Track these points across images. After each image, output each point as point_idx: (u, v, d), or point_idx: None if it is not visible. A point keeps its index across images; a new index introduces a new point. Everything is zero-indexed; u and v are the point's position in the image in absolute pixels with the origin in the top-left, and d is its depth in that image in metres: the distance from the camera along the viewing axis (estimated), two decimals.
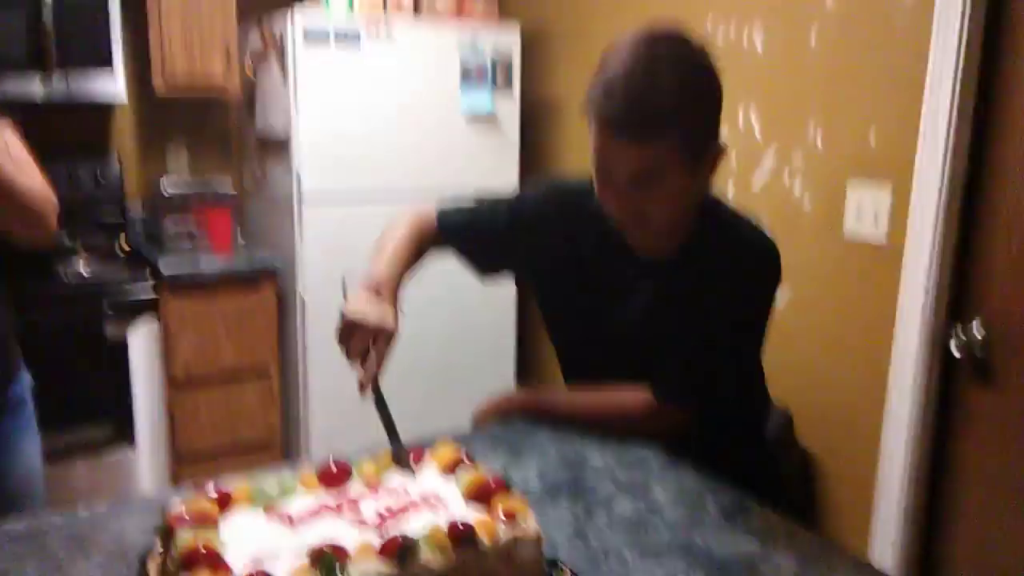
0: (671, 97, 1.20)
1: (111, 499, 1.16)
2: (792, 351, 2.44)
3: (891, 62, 2.13)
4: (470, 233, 1.57)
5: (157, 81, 2.94)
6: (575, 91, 3.14)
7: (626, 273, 1.44)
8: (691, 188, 1.31)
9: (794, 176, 2.43)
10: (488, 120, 3.12)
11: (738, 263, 1.38)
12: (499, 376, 3.27)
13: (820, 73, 2.32)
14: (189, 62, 2.95)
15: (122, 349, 2.69)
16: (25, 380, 1.61)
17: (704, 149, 1.28)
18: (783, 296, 2.47)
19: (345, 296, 1.31)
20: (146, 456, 2.82)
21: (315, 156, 2.84)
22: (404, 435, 1.18)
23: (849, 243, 2.28)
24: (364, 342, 1.24)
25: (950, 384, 2.13)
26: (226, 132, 3.46)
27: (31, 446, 1.61)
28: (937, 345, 2.11)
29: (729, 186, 2.61)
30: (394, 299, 1.36)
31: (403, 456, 1.11)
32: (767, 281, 1.42)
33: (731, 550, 1.08)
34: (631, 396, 1.43)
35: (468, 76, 3.05)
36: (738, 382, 1.49)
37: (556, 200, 1.52)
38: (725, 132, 2.58)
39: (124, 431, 2.75)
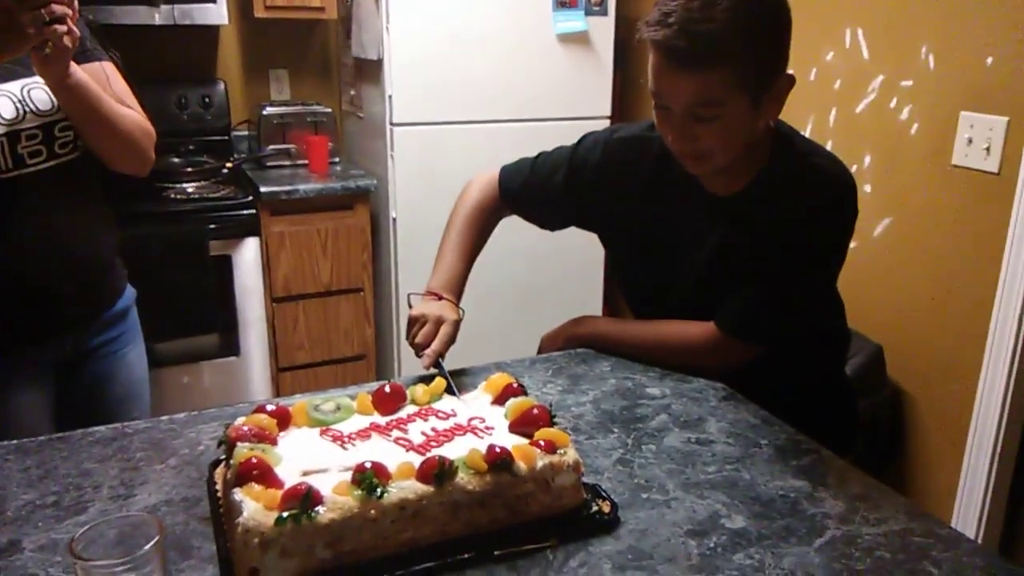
0: (730, 25, 1.14)
1: (209, 406, 1.26)
2: (889, 283, 2.34)
3: None
4: (532, 196, 1.58)
5: (258, 3, 3.01)
6: None
7: (696, 214, 1.41)
8: (755, 122, 1.26)
9: (903, 101, 2.28)
10: (581, 42, 3.04)
11: (811, 197, 1.33)
12: (588, 297, 3.28)
13: None
14: None
15: (226, 265, 2.84)
16: (130, 294, 1.73)
17: (769, 80, 1.23)
18: (883, 225, 2.36)
19: (410, 306, 1.43)
20: (250, 366, 3.00)
21: (407, 78, 2.86)
22: (483, 358, 1.32)
23: (958, 172, 2.15)
24: (426, 335, 1.35)
25: None
26: (326, 55, 3.51)
27: (137, 355, 1.74)
28: None
29: (832, 111, 2.48)
30: (454, 298, 1.46)
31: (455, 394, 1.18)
32: (841, 215, 1.36)
33: (777, 488, 1.08)
34: (697, 328, 1.42)
35: None
36: (810, 318, 1.45)
37: (618, 152, 1.49)
38: (830, 55, 2.46)
39: (230, 342, 2.93)
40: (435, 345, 1.33)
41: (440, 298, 1.43)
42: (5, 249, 1.42)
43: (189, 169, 2.90)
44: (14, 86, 1.41)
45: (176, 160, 2.96)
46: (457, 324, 1.38)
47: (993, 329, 2.08)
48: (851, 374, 2.21)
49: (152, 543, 0.72)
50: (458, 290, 1.48)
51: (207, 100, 3.15)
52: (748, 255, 1.36)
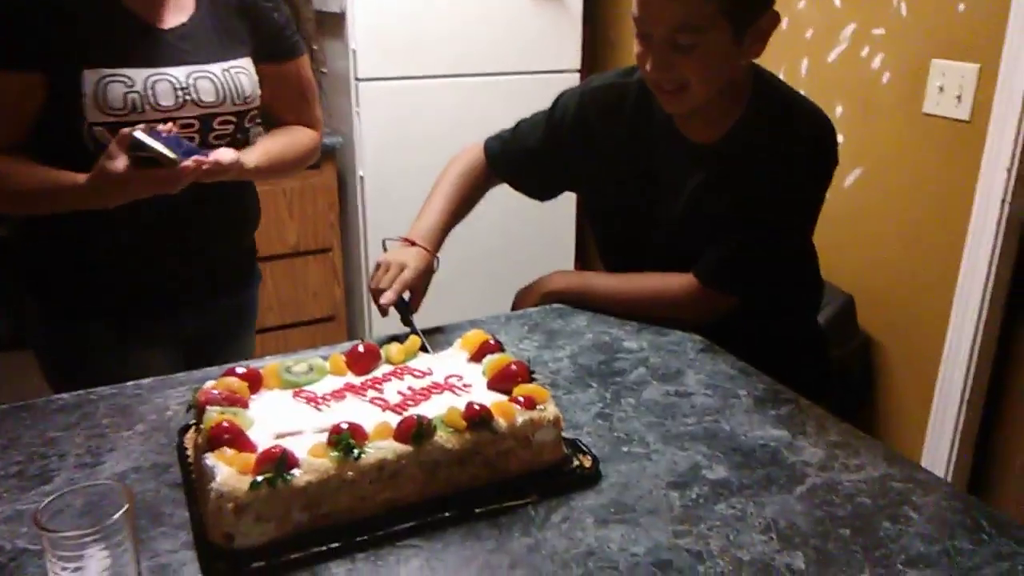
0: None
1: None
2: (858, 232, 2.34)
3: None
4: (516, 159, 1.55)
5: None
6: None
7: (676, 162, 1.39)
8: (735, 57, 1.24)
9: (875, 49, 2.26)
10: None
11: (794, 143, 1.31)
12: (559, 252, 3.26)
13: None
14: None
15: None
16: (254, 282, 1.68)
17: (754, 14, 1.21)
18: (854, 175, 2.35)
19: (384, 251, 1.40)
20: None
21: (371, 32, 2.77)
22: (457, 316, 1.31)
23: (929, 120, 2.14)
24: (384, 280, 1.32)
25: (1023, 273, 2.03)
26: (292, 8, 3.41)
27: (246, 341, 1.68)
28: (1014, 230, 2.00)
29: (803, 60, 2.45)
30: (431, 247, 1.41)
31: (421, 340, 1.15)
32: (820, 163, 1.35)
33: (757, 437, 1.07)
34: (674, 279, 1.40)
35: None
36: (786, 266, 1.44)
37: (595, 102, 1.46)
38: (802, 4, 2.43)
39: None
40: (388, 294, 1.29)
41: (414, 245, 1.40)
42: (135, 225, 1.36)
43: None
44: (180, 72, 1.34)
45: None
46: (424, 272, 1.36)
47: (963, 276, 2.10)
48: (822, 324, 2.22)
49: (121, 511, 0.69)
50: (434, 239, 1.44)
51: None
52: (727, 203, 1.34)
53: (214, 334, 1.56)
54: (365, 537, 0.87)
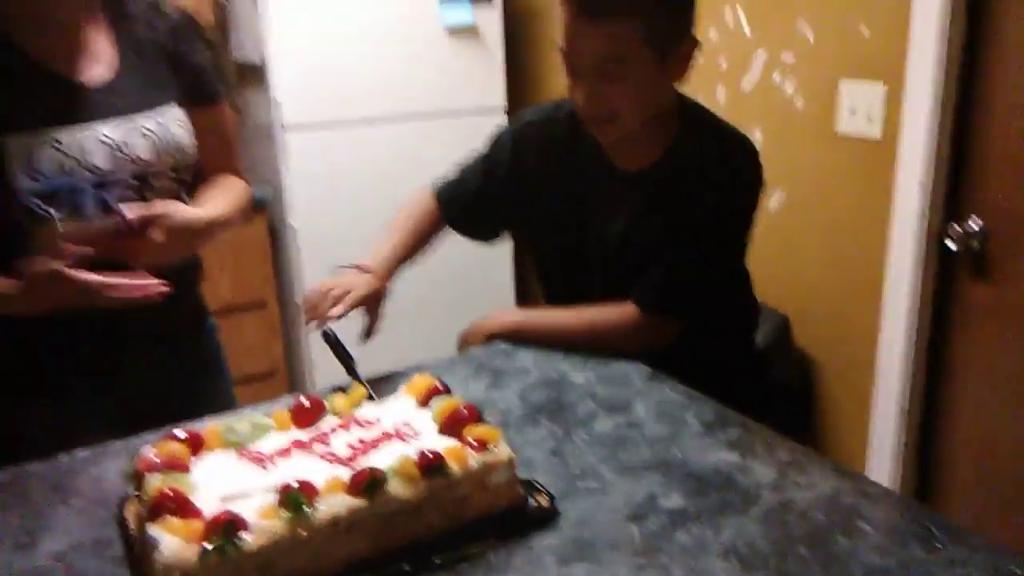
0: None
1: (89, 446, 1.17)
2: (787, 253, 2.41)
3: None
4: (464, 203, 1.56)
5: None
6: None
7: (611, 189, 1.41)
8: (662, 83, 1.29)
9: (785, 75, 2.34)
10: (470, 34, 3.01)
11: (720, 168, 1.35)
12: (497, 293, 3.26)
13: None
14: None
15: None
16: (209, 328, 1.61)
17: (676, 39, 1.26)
18: (777, 198, 2.42)
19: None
20: None
21: (293, 81, 2.76)
22: (399, 363, 1.29)
23: (843, 140, 2.22)
24: (333, 297, 1.30)
25: (947, 282, 2.11)
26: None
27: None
28: (934, 241, 2.07)
29: (719, 89, 2.53)
30: (382, 274, 1.41)
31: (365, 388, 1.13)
32: (750, 184, 1.39)
33: (709, 463, 1.08)
34: (616, 310, 1.41)
35: None
36: (724, 289, 1.47)
37: (527, 138, 1.49)
38: (713, 34, 2.51)
39: None
40: (339, 308, 1.27)
41: (365, 272, 1.39)
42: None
43: None
44: (112, 128, 1.25)
45: None
46: (377, 294, 1.36)
47: (888, 290, 2.17)
48: (760, 345, 2.26)
49: None
50: (388, 267, 1.43)
51: None
52: (659, 227, 1.37)
53: (170, 390, 1.43)
54: None
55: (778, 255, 2.43)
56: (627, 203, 1.39)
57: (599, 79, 1.24)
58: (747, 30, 2.43)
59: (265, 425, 1.03)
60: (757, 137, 2.44)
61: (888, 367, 2.20)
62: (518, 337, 1.48)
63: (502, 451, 0.96)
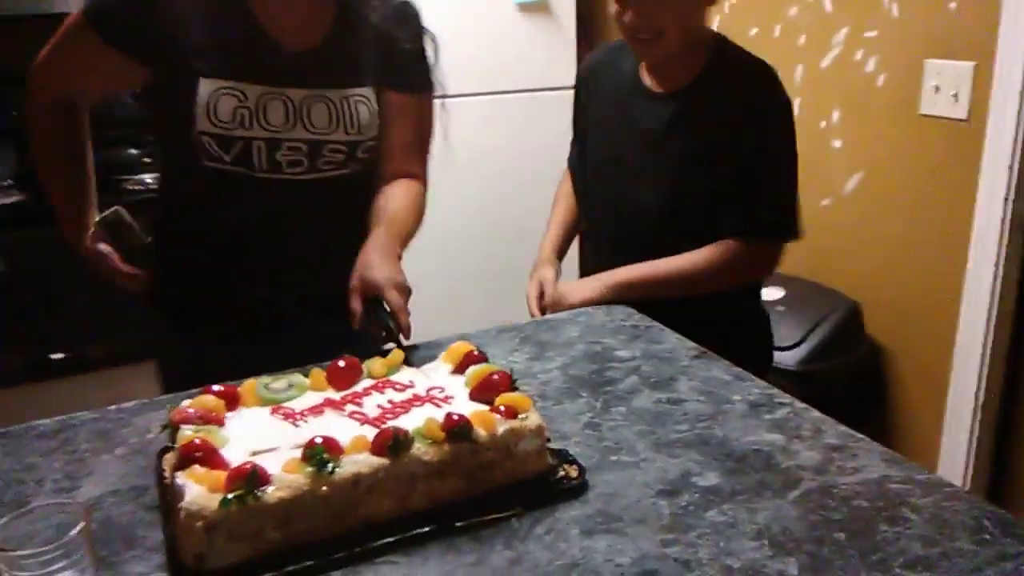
0: None
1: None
2: (862, 237, 2.31)
3: None
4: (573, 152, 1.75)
5: None
6: None
7: (653, 112, 1.51)
8: (699, 7, 1.45)
9: (869, 54, 2.24)
10: (541, 10, 2.98)
11: (760, 84, 1.47)
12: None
13: None
14: None
15: None
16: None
17: None
18: (855, 179, 2.32)
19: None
20: None
21: None
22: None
23: (926, 121, 2.12)
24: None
25: None
26: None
27: None
28: (1020, 227, 1.96)
29: (797, 67, 2.44)
30: (554, 262, 1.69)
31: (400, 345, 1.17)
32: (788, 105, 1.50)
33: (751, 443, 1.04)
34: (710, 251, 1.47)
35: None
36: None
37: (587, 68, 1.70)
38: (793, 11, 2.42)
39: None
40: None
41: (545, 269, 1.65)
42: (241, 238, 1.37)
43: (147, 160, 2.82)
44: (296, 93, 1.30)
45: (133, 151, 2.88)
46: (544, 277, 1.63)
47: (969, 277, 2.06)
48: (828, 333, 2.19)
49: (76, 529, 0.67)
50: (550, 256, 1.70)
51: None
52: (705, 144, 1.47)
53: (318, 359, 1.47)
54: (342, 554, 0.84)
55: (852, 239, 2.34)
56: (656, 118, 1.50)
57: (642, 31, 1.40)
58: (828, 6, 2.33)
59: (301, 384, 1.04)
60: (835, 116, 2.35)
61: (966, 358, 2.09)
62: (631, 295, 1.49)
63: (532, 419, 0.95)
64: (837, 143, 2.35)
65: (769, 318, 1.69)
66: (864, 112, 2.27)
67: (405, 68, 1.41)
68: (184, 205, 1.42)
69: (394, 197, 1.39)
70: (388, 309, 1.23)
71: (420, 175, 1.48)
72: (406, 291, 1.23)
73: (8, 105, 2.69)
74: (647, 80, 1.54)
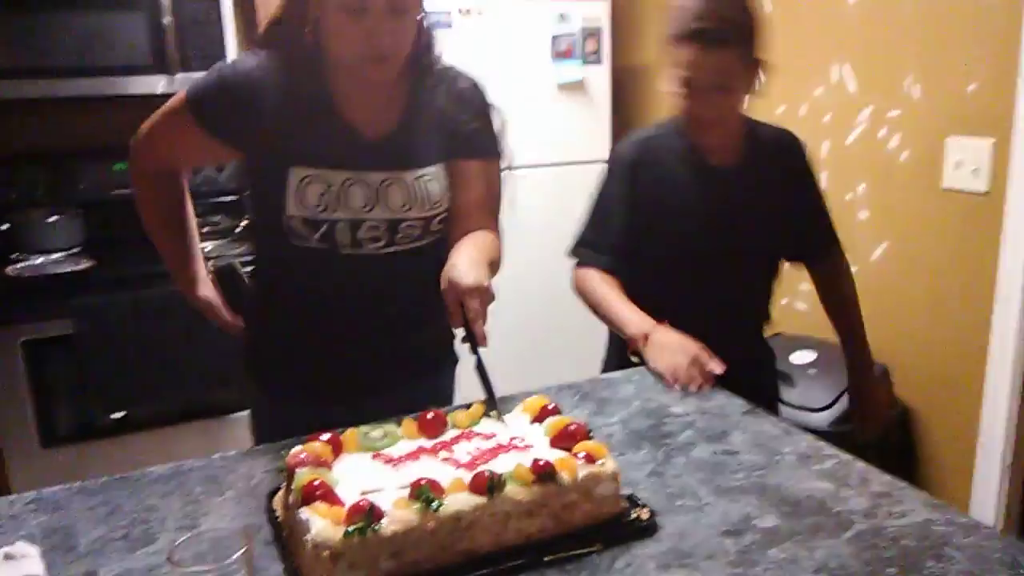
0: (743, 13, 1.58)
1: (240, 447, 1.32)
2: (890, 304, 2.42)
3: (987, 13, 2.08)
4: (624, 250, 1.73)
5: None
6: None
7: (711, 187, 1.70)
8: (746, 93, 1.64)
9: (892, 132, 2.39)
10: (578, 89, 3.17)
11: (789, 142, 1.80)
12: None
13: (916, 27, 2.27)
14: None
15: None
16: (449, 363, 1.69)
17: (756, 61, 1.61)
18: (881, 249, 2.44)
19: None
20: None
21: None
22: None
23: (948, 194, 2.24)
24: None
25: None
26: None
27: None
28: None
29: (824, 144, 2.58)
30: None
31: (496, 409, 1.23)
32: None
33: (804, 490, 1.14)
34: (840, 266, 1.89)
35: (559, 47, 3.11)
36: None
37: (646, 145, 1.76)
38: (820, 92, 2.57)
39: None
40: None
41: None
42: (325, 308, 1.48)
43: (205, 229, 2.98)
44: (375, 177, 1.42)
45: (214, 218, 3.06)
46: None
47: (994, 343, 2.15)
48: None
49: (240, 551, 0.78)
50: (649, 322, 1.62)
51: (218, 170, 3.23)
52: (775, 202, 1.73)
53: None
54: None
55: (878, 305, 2.44)
56: (730, 196, 1.70)
57: (714, 91, 1.57)
58: (852, 87, 2.49)
59: (395, 433, 1.15)
60: (861, 189, 2.48)
61: (993, 422, 2.18)
62: None
63: (608, 464, 1.06)
64: (863, 214, 2.48)
65: (774, 353, 1.93)
66: (888, 185, 2.40)
67: (470, 138, 1.50)
68: (273, 276, 1.55)
69: (474, 235, 1.46)
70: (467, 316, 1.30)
71: (494, 230, 1.54)
72: (489, 296, 1.31)
73: (78, 178, 2.88)
74: (707, 158, 1.70)
